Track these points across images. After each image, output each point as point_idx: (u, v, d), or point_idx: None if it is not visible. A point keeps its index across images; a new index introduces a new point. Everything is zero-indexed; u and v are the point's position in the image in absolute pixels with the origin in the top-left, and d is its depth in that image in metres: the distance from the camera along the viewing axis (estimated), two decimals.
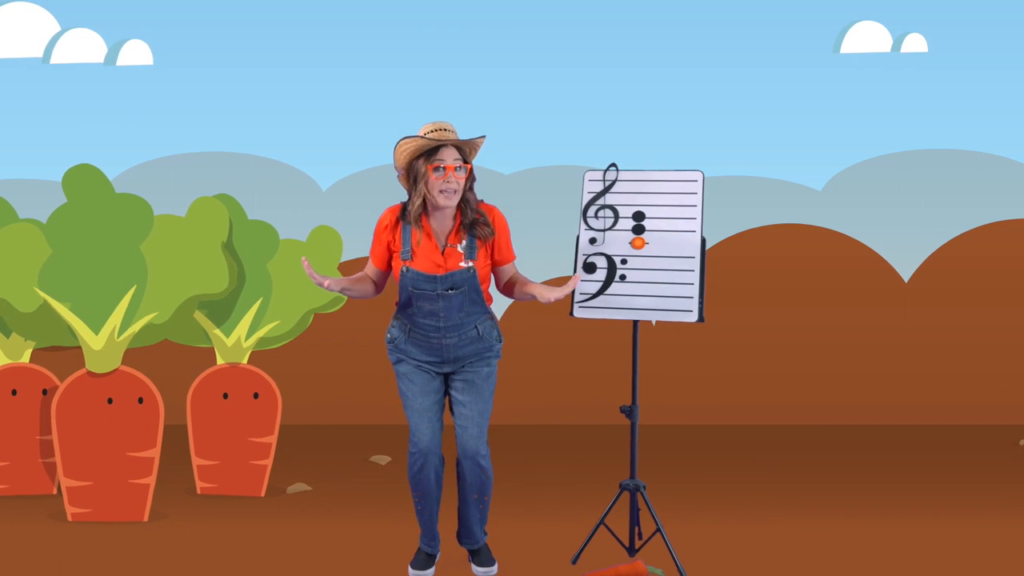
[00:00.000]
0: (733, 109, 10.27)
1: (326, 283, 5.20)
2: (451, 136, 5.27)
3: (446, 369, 5.44)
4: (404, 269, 5.30)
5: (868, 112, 10.31)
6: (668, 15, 10.38)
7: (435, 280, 5.28)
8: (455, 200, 5.28)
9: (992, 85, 10.24)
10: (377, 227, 5.42)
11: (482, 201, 5.44)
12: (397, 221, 5.38)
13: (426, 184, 5.23)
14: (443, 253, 5.32)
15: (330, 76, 10.32)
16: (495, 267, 5.50)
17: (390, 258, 5.42)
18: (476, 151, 5.34)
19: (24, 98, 10.24)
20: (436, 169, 5.21)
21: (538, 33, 10.40)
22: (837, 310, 10.32)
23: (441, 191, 5.24)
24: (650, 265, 5.60)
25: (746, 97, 10.30)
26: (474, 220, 5.35)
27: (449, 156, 5.23)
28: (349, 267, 7.82)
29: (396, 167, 5.34)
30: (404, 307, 5.38)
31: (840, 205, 10.34)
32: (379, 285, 5.52)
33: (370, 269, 5.48)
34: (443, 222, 5.35)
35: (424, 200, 5.31)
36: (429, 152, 5.24)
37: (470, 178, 5.35)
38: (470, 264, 5.32)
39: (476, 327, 5.41)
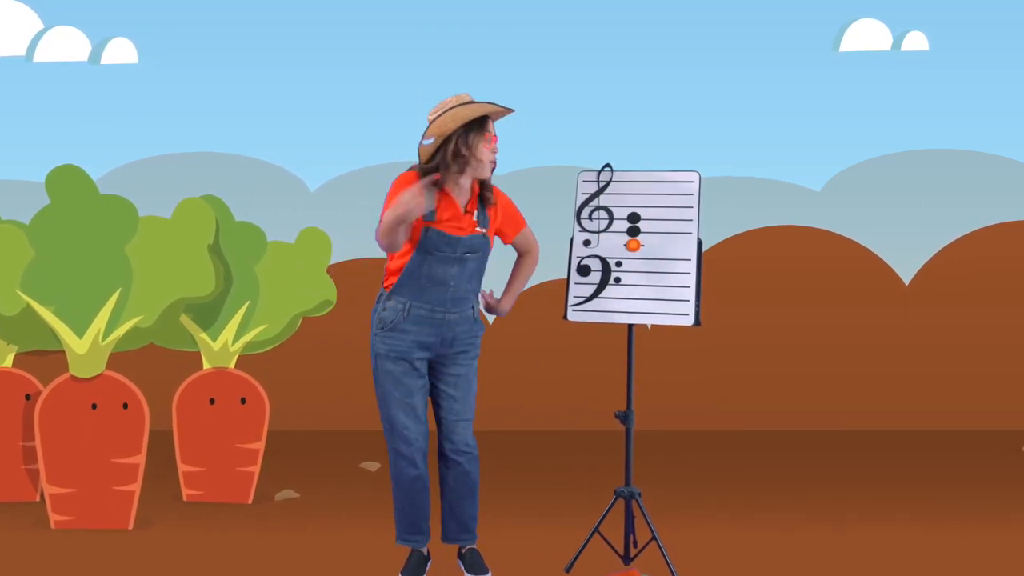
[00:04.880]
0: (730, 108, 10.27)
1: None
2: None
3: (435, 353, 5.41)
4: (426, 229, 5.27)
5: (868, 112, 10.31)
6: (664, 14, 10.38)
7: (456, 242, 5.30)
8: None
9: (994, 84, 10.25)
10: (405, 183, 5.25)
11: None
12: None
13: (475, 152, 5.26)
14: (463, 216, 5.34)
15: (319, 76, 10.33)
16: (514, 240, 5.62)
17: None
18: None
19: (6, 97, 10.27)
20: (487, 139, 5.29)
21: (531, 32, 10.41)
22: (837, 313, 10.32)
23: (490, 160, 5.32)
24: (646, 267, 5.57)
25: (744, 96, 10.30)
26: (486, 194, 5.44)
27: (492, 127, 5.33)
28: (339, 269, 7.80)
29: (437, 133, 5.24)
30: (411, 276, 5.31)
31: (839, 206, 10.34)
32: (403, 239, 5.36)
33: None
34: (462, 193, 5.37)
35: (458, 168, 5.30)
36: (477, 122, 5.27)
37: None
38: (484, 230, 5.39)
39: (473, 306, 5.48)
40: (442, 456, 5.56)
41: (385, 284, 5.40)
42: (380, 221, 5.20)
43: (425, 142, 5.29)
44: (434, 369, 5.48)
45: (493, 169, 5.36)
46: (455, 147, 5.25)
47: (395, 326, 5.35)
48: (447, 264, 5.31)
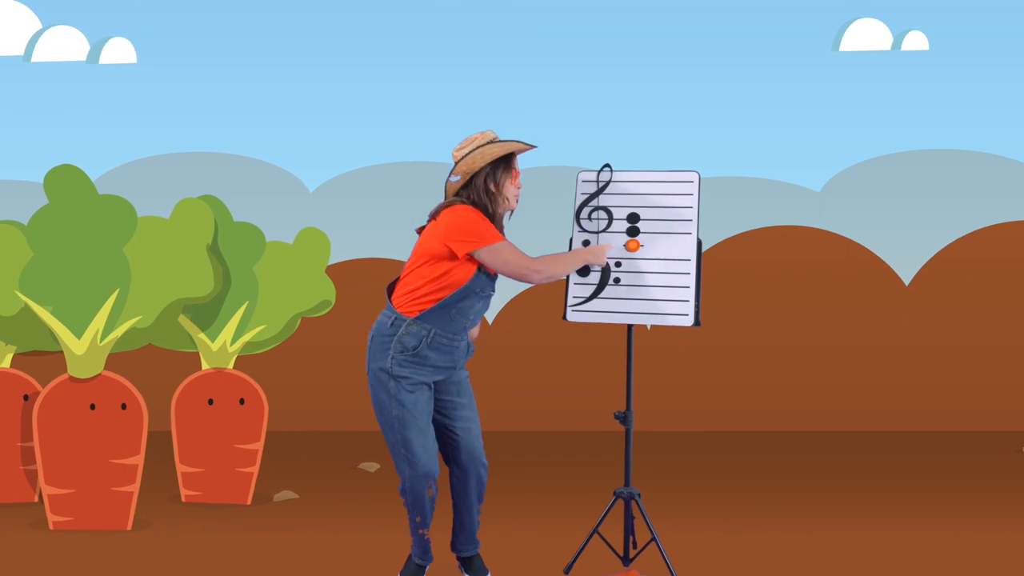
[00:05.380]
0: (730, 108, 10.26)
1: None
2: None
3: (441, 376, 5.42)
4: (480, 270, 5.32)
5: (868, 112, 10.30)
6: (663, 13, 10.36)
7: (494, 280, 5.41)
8: None
9: (995, 84, 10.23)
10: (485, 219, 5.33)
11: None
12: None
13: (502, 189, 5.37)
14: None
15: (319, 76, 10.32)
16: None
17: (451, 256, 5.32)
18: None
19: (5, 97, 10.28)
20: (513, 176, 5.40)
21: (530, 32, 10.39)
22: (836, 314, 10.30)
23: (515, 196, 5.42)
24: (645, 268, 5.54)
25: (743, 96, 10.28)
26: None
27: (517, 163, 5.43)
28: (337, 270, 7.78)
29: (465, 170, 5.32)
30: (444, 308, 5.31)
31: (839, 207, 10.33)
32: None
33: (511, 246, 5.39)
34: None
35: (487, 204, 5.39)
36: (504, 159, 5.37)
37: None
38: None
39: None
40: (457, 465, 5.52)
41: (407, 310, 5.31)
42: (552, 260, 5.40)
43: (452, 179, 5.37)
44: (436, 384, 5.47)
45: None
46: (484, 183, 5.33)
47: (417, 352, 5.34)
48: (478, 300, 5.38)
